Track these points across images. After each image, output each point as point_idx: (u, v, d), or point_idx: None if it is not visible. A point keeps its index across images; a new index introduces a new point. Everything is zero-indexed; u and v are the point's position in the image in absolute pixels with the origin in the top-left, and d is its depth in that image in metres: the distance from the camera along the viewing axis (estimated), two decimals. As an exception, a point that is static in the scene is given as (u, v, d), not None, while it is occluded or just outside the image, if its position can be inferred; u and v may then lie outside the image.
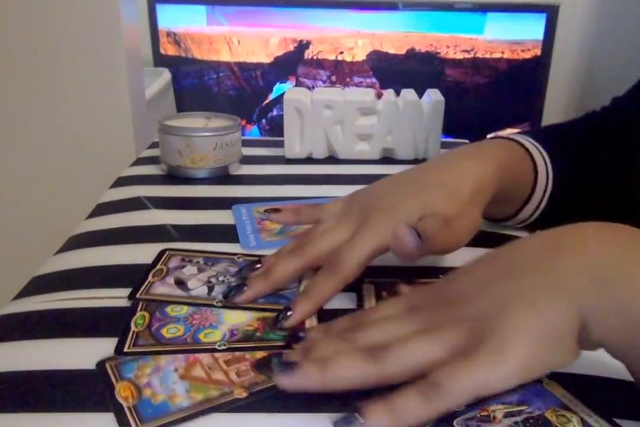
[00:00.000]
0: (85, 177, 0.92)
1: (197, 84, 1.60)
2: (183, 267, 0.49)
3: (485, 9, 1.48)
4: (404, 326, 0.34)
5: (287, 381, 0.33)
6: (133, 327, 0.41)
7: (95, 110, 0.89)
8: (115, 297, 0.45)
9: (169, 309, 0.43)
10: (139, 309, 0.43)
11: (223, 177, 0.71)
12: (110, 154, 0.90)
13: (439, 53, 1.52)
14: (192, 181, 0.69)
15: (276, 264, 0.44)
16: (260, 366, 0.37)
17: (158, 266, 0.49)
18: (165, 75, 1.52)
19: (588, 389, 0.35)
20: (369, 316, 0.37)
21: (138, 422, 0.32)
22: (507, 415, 0.33)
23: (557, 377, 0.36)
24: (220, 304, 0.44)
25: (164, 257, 0.50)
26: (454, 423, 0.32)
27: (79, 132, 0.90)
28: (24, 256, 0.77)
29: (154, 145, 0.81)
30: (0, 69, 0.87)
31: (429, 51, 1.52)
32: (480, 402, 0.33)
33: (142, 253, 0.51)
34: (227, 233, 0.56)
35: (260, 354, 0.38)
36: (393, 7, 1.50)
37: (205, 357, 0.38)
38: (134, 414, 0.33)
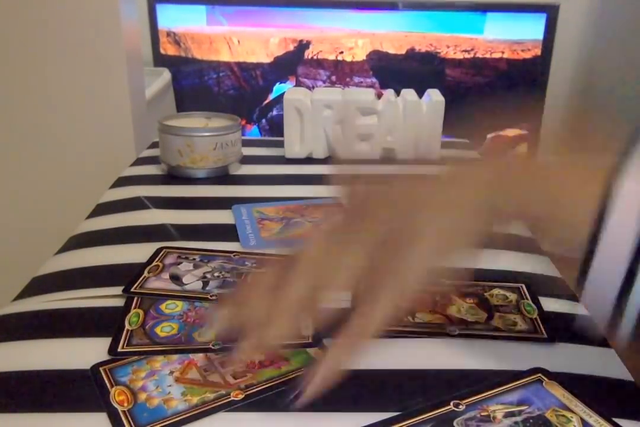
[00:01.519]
0: (85, 177, 0.92)
1: (197, 84, 1.60)
2: (179, 263, 0.49)
3: (485, 8, 1.48)
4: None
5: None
6: (127, 326, 0.40)
7: (95, 110, 0.89)
8: (115, 296, 0.45)
9: (163, 306, 0.43)
10: (133, 307, 0.43)
11: (223, 177, 0.71)
12: (110, 154, 0.90)
13: (439, 53, 1.52)
14: (192, 181, 0.69)
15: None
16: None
17: (154, 263, 0.49)
18: (165, 75, 1.52)
19: (588, 389, 0.35)
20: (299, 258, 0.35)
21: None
22: (507, 415, 0.33)
23: (558, 377, 0.36)
24: (214, 298, 0.44)
25: (161, 254, 0.51)
26: (454, 423, 0.32)
27: (79, 132, 0.90)
28: (24, 256, 0.77)
29: (154, 145, 0.81)
30: None
31: (429, 51, 1.52)
32: (479, 401, 0.33)
33: (142, 253, 0.51)
34: (227, 233, 0.56)
35: (256, 358, 0.37)
36: (393, 7, 1.50)
37: (200, 359, 0.37)
38: (130, 418, 0.33)
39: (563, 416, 0.33)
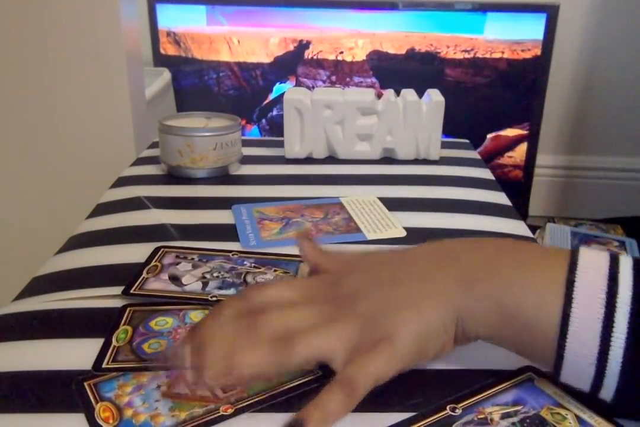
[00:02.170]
0: (85, 177, 0.92)
1: (197, 84, 1.60)
2: (178, 263, 0.49)
3: (485, 9, 1.48)
4: (302, 316, 0.37)
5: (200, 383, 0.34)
6: (114, 342, 0.39)
7: (95, 110, 0.89)
8: (115, 296, 0.45)
9: (153, 323, 0.41)
10: (122, 323, 0.41)
11: (223, 177, 0.71)
12: (110, 154, 0.90)
13: (439, 53, 1.52)
14: (192, 181, 0.69)
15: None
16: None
17: (152, 263, 0.49)
18: (165, 75, 1.52)
19: (587, 389, 0.35)
20: (262, 294, 0.38)
21: None
22: (504, 416, 0.33)
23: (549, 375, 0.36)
24: (214, 299, 0.44)
25: (159, 254, 0.50)
26: (452, 427, 0.32)
27: (79, 132, 0.90)
28: (24, 256, 0.77)
29: (154, 145, 0.81)
30: None
31: (429, 51, 1.52)
32: (475, 404, 0.33)
33: (142, 253, 0.51)
34: (227, 233, 0.56)
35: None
36: (393, 7, 1.50)
37: (189, 373, 0.35)
38: None
39: (558, 413, 0.33)
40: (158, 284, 0.46)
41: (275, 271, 0.49)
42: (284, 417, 0.33)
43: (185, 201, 0.64)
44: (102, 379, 0.36)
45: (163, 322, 0.42)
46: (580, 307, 0.32)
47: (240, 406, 0.34)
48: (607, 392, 0.32)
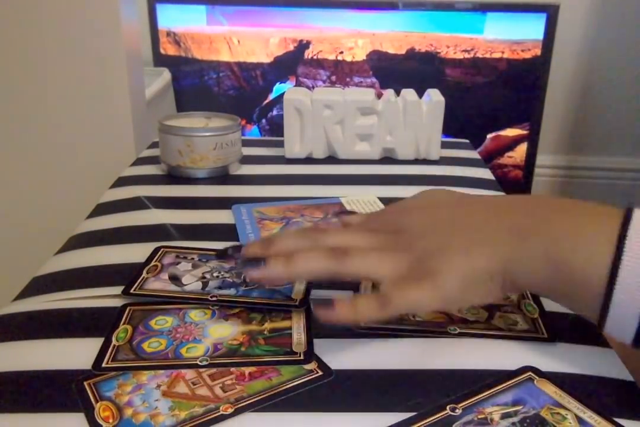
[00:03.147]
0: (85, 177, 0.92)
1: (197, 84, 1.60)
2: (177, 263, 0.49)
3: (485, 9, 1.48)
4: (363, 238, 0.41)
5: (256, 274, 0.39)
6: (114, 341, 0.39)
7: (95, 110, 0.89)
8: (115, 296, 0.45)
9: (152, 322, 0.41)
10: (122, 322, 0.41)
11: (223, 177, 0.71)
12: (110, 154, 0.90)
13: (439, 53, 1.52)
14: (192, 181, 0.69)
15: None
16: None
17: (152, 263, 0.49)
18: (165, 75, 1.52)
19: (588, 389, 0.35)
20: (337, 228, 0.43)
21: None
22: (504, 416, 0.33)
23: (559, 377, 0.36)
24: (214, 299, 0.44)
25: (159, 254, 0.50)
26: None
27: (79, 132, 0.90)
28: (24, 256, 0.77)
29: (154, 145, 0.81)
30: None
31: (429, 51, 1.52)
32: (475, 404, 0.33)
33: (142, 253, 0.51)
34: (227, 233, 0.56)
35: (246, 369, 0.37)
36: (393, 7, 1.50)
37: (189, 372, 0.36)
38: None
39: (558, 413, 0.33)
40: (158, 284, 0.46)
41: None
42: (284, 416, 0.33)
43: (185, 201, 0.64)
44: (101, 379, 0.36)
45: (163, 322, 0.42)
46: (630, 259, 0.33)
47: (240, 405, 0.34)
48: None
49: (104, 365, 0.37)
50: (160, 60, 1.58)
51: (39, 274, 0.50)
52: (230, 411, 0.33)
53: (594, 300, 0.35)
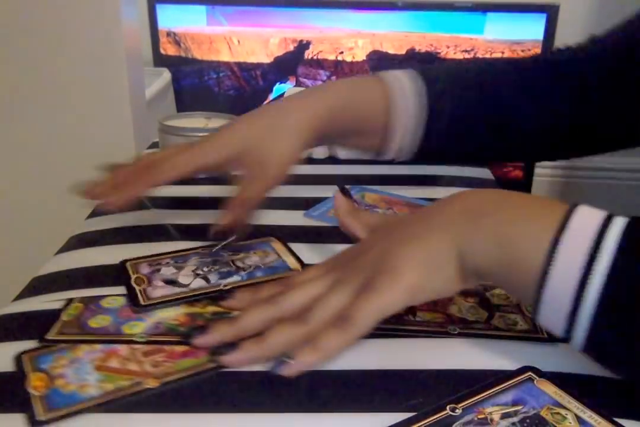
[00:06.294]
0: (85, 177, 0.92)
1: (197, 84, 1.60)
2: (158, 270, 0.48)
3: (485, 9, 1.48)
4: (320, 285, 0.40)
5: (231, 360, 0.37)
6: (63, 317, 0.41)
7: (95, 110, 0.89)
8: (115, 295, 0.45)
9: (104, 302, 0.43)
10: (72, 302, 0.43)
11: (223, 177, 0.71)
12: (111, 154, 0.90)
13: (439, 53, 1.52)
14: (192, 181, 0.69)
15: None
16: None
17: (134, 276, 0.47)
18: (165, 75, 1.52)
19: (587, 389, 0.35)
20: (294, 280, 0.42)
21: (44, 411, 0.33)
22: (504, 416, 0.33)
23: (559, 377, 0.36)
24: (227, 288, 0.45)
25: (128, 267, 0.49)
26: (452, 427, 0.32)
27: (79, 132, 0.90)
28: (24, 256, 0.77)
29: (154, 145, 0.81)
30: None
31: (429, 51, 1.52)
32: (475, 404, 0.33)
33: (142, 253, 0.51)
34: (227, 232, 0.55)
35: (179, 348, 0.38)
36: (393, 7, 1.50)
37: (124, 349, 0.38)
38: (42, 403, 0.33)
39: (558, 413, 0.33)
40: (162, 291, 0.45)
41: (254, 253, 0.50)
42: (284, 416, 0.33)
43: (185, 201, 0.64)
44: (41, 352, 0.38)
45: (113, 301, 0.44)
46: (566, 246, 0.33)
47: (166, 380, 0.35)
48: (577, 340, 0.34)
49: (47, 337, 0.39)
50: (160, 60, 1.58)
51: (39, 274, 0.50)
52: (155, 384, 0.35)
53: (530, 288, 0.35)
